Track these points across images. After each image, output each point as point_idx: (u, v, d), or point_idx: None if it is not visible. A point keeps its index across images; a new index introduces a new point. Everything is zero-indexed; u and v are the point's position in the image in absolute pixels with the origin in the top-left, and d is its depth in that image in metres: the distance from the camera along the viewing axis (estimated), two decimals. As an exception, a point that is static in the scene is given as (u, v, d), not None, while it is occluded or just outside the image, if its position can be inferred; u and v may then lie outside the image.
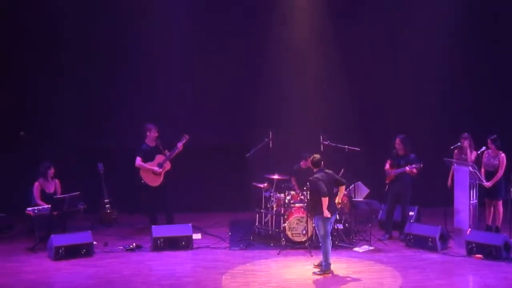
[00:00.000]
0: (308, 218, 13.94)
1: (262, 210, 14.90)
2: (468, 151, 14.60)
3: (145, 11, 16.50)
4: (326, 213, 12.58)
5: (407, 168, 14.31)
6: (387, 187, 14.68)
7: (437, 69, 16.78)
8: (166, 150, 15.04)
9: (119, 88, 16.61)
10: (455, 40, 16.68)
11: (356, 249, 14.11)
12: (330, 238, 12.93)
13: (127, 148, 15.58)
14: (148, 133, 15.05)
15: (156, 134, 15.03)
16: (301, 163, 15.00)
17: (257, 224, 14.97)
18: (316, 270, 12.86)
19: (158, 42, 16.54)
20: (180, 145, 14.98)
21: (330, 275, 12.73)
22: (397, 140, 14.50)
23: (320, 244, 12.89)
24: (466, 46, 16.72)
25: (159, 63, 16.62)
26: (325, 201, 12.56)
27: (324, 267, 12.78)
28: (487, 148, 14.56)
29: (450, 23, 16.63)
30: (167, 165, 15.03)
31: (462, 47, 16.72)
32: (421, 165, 14.28)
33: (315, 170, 12.92)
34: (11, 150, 16.23)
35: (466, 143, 14.63)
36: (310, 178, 12.90)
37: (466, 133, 14.71)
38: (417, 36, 16.67)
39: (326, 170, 12.91)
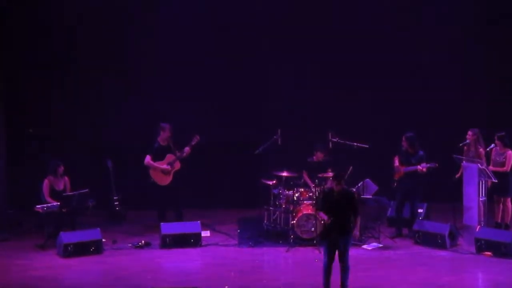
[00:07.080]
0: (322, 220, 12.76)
1: (270, 207, 14.87)
2: (479, 146, 14.54)
3: (154, 8, 16.52)
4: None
5: (419, 167, 14.26)
6: (395, 184, 14.66)
7: (448, 64, 16.71)
8: (177, 151, 15.02)
9: (129, 85, 16.62)
10: (469, 33, 16.66)
11: (365, 246, 14.12)
12: None
13: (137, 145, 15.61)
14: (161, 132, 15.02)
15: (169, 134, 15.00)
16: (314, 156, 14.94)
17: (265, 221, 14.94)
18: None
19: (167, 40, 16.53)
20: (187, 149, 14.92)
21: None
22: (403, 138, 14.49)
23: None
24: (481, 39, 16.66)
25: (168, 61, 16.60)
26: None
27: None
28: (496, 145, 14.51)
29: (463, 18, 16.65)
30: (177, 165, 15.00)
31: (477, 40, 16.65)
32: (436, 165, 14.23)
33: (341, 184, 11.59)
34: (20, 147, 16.26)
35: (473, 139, 14.56)
36: (355, 192, 12.69)
37: (475, 129, 14.64)
38: (429, 32, 16.63)
39: None
